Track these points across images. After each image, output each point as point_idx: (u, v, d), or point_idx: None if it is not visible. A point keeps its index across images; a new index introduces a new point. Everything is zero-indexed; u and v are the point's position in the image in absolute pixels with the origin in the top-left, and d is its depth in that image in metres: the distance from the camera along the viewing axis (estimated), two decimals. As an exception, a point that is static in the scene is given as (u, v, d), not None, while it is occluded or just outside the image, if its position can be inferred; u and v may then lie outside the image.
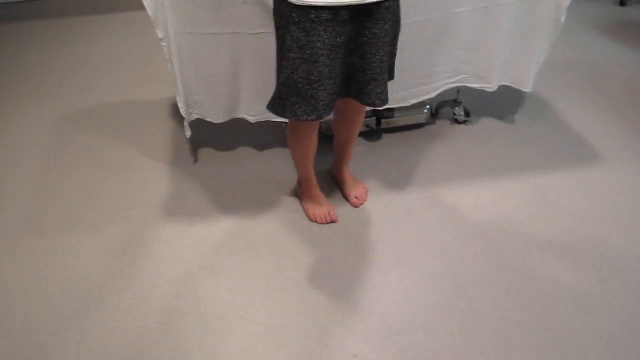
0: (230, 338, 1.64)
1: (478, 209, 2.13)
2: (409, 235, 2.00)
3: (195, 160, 2.41)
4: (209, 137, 2.53)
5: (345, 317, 1.70)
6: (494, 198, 2.18)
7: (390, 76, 1.81)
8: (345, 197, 2.17)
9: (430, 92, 2.37)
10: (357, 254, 1.93)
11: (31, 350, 1.61)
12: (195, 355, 1.59)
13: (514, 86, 2.46)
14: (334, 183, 2.25)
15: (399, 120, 2.54)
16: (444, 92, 2.41)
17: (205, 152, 2.46)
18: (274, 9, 1.59)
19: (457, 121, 2.67)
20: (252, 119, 2.28)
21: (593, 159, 2.41)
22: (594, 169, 2.35)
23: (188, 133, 2.23)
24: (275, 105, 1.66)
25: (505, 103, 2.84)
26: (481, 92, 2.48)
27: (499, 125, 2.66)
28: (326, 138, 2.30)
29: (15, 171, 2.37)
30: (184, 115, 2.18)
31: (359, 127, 2.03)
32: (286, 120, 2.04)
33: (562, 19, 2.22)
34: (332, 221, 2.06)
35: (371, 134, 2.58)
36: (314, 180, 2.05)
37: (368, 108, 2.30)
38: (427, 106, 2.56)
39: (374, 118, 2.49)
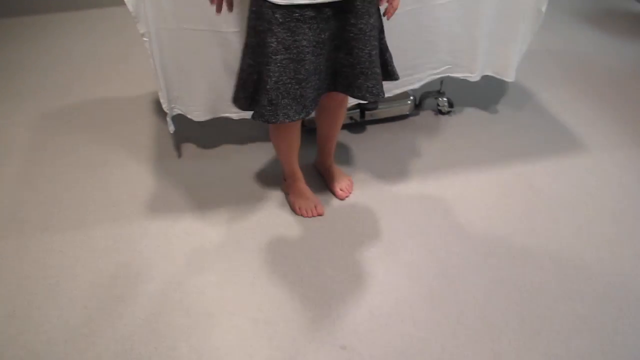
0: (218, 333, 1.64)
1: (463, 199, 2.14)
2: (395, 226, 2.01)
3: (179, 156, 2.39)
4: (193, 133, 2.52)
5: (333, 310, 1.70)
6: (479, 188, 2.19)
7: (392, 76, 1.79)
8: (331, 190, 2.17)
9: (414, 82, 2.37)
10: (344, 246, 1.93)
11: (17, 351, 1.60)
12: (183, 351, 1.59)
13: (497, 76, 2.47)
14: (319, 177, 2.25)
15: (383, 112, 2.55)
16: (427, 83, 2.42)
17: (189, 148, 2.45)
18: (250, 13, 1.57)
19: (440, 112, 2.68)
20: (235, 116, 2.27)
21: (576, 148, 2.43)
22: (578, 157, 2.37)
23: (171, 128, 2.21)
24: (265, 113, 1.60)
25: (488, 93, 2.85)
26: (464, 83, 2.49)
27: (483, 116, 2.67)
28: (310, 131, 2.30)
29: (-3, 171, 2.35)
30: (167, 111, 2.16)
31: (342, 120, 2.03)
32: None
33: (543, 8, 2.24)
34: (319, 214, 2.06)
35: (355, 126, 2.58)
36: (299, 174, 2.05)
37: (353, 101, 2.31)
38: (411, 97, 2.57)
39: (358, 110, 2.49)
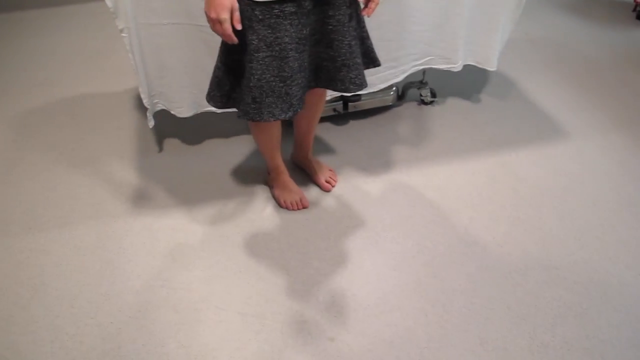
0: (206, 328, 1.64)
1: (447, 188, 2.15)
2: (380, 217, 2.02)
3: (160, 150, 2.38)
4: (175, 128, 2.51)
5: (321, 302, 1.71)
6: (463, 177, 2.21)
7: (374, 62, 1.78)
8: (316, 183, 2.17)
9: (398, 75, 2.38)
10: (330, 238, 1.94)
11: (3, 352, 1.59)
12: (172, 347, 1.58)
13: (479, 65, 2.48)
14: (301, 170, 2.24)
15: (366, 103, 2.55)
16: (410, 73, 2.42)
17: (171, 143, 2.43)
18: None
19: (423, 102, 2.68)
20: (219, 110, 2.26)
21: (558, 135, 2.45)
22: (560, 144, 2.39)
23: (151, 124, 2.19)
24: (249, 111, 1.59)
25: (470, 83, 2.86)
26: (447, 73, 2.50)
27: (465, 105, 2.68)
28: (291, 124, 2.30)
29: (-22, 171, 2.33)
30: (147, 107, 2.15)
31: (320, 113, 2.03)
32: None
33: (524, -2, 2.26)
34: (304, 207, 2.06)
35: (339, 117, 2.58)
36: (282, 167, 2.05)
37: (333, 92, 2.31)
38: (394, 88, 2.57)
39: (341, 102, 2.49)
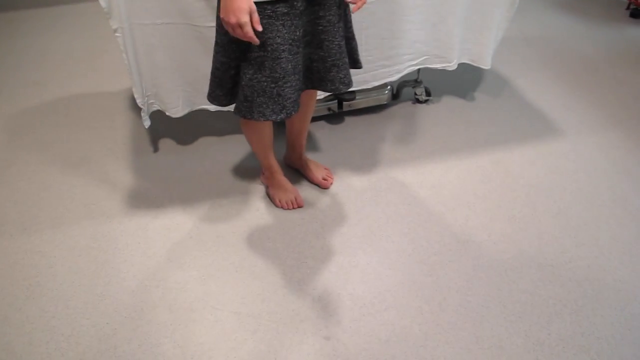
0: (202, 328, 1.64)
1: (442, 187, 2.15)
2: (375, 216, 2.02)
3: (155, 150, 2.37)
4: (169, 128, 2.50)
5: (316, 301, 1.71)
6: (458, 175, 2.21)
7: (356, 64, 1.79)
8: (312, 182, 2.17)
9: (393, 74, 2.38)
10: (325, 237, 1.94)
11: (-2, 353, 1.59)
12: (167, 347, 1.58)
13: (473, 64, 2.48)
14: (295, 169, 2.24)
15: (361, 102, 2.55)
16: (405, 74, 2.42)
17: (166, 143, 2.43)
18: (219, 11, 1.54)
19: (418, 101, 2.68)
20: (212, 108, 2.26)
21: (553, 133, 2.45)
22: (554, 142, 2.39)
23: (147, 123, 2.19)
24: (242, 108, 1.61)
25: (465, 81, 2.86)
26: (441, 72, 2.50)
27: (460, 104, 2.68)
28: (283, 124, 2.30)
29: (-28, 171, 2.32)
30: (141, 107, 2.14)
31: (312, 112, 2.03)
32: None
33: (518, -5, 2.26)
34: (299, 206, 2.06)
35: (333, 117, 2.58)
36: (276, 166, 2.04)
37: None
38: (389, 87, 2.57)
39: (336, 101, 2.49)
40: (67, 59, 3.22)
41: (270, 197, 2.10)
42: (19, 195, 2.16)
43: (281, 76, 1.53)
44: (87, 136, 2.50)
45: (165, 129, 2.50)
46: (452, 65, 2.41)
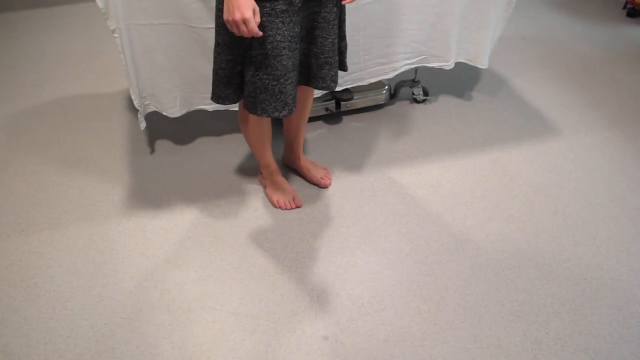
0: (200, 329, 1.64)
1: (440, 186, 2.15)
2: (373, 216, 2.02)
3: (152, 152, 2.37)
4: (167, 128, 2.50)
5: (314, 301, 1.71)
6: (455, 175, 2.21)
7: (342, 66, 1.79)
8: (311, 181, 2.17)
9: (389, 72, 2.38)
10: (323, 237, 1.94)
11: (-4, 355, 1.58)
12: (166, 349, 1.58)
13: (470, 63, 2.48)
14: (293, 169, 2.24)
15: (359, 102, 2.55)
16: (402, 72, 2.42)
17: (163, 144, 2.43)
18: (218, 11, 1.53)
19: (416, 101, 2.68)
20: (210, 108, 2.26)
21: (550, 132, 2.45)
22: (551, 141, 2.40)
23: (142, 125, 2.19)
24: (247, 103, 1.64)
25: (462, 81, 2.87)
26: (439, 71, 2.50)
27: (458, 103, 2.68)
28: (281, 123, 2.30)
29: (-31, 173, 2.31)
30: (138, 108, 2.14)
31: (309, 110, 2.03)
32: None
33: (515, -5, 2.26)
34: (297, 207, 2.06)
35: (331, 117, 2.58)
36: (274, 166, 2.05)
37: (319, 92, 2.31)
38: (386, 87, 2.58)
39: (334, 101, 2.49)
40: (64, 59, 3.22)
41: (268, 197, 2.09)
42: (17, 196, 2.16)
43: (282, 73, 1.54)
44: (84, 137, 2.49)
45: (162, 130, 2.49)
46: (449, 65, 2.41)
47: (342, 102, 2.51)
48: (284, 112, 1.60)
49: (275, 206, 2.06)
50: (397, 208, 2.05)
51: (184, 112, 2.24)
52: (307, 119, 2.04)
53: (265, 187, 2.12)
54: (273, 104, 1.58)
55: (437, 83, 2.83)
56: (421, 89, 2.66)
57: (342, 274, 1.80)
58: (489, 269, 1.81)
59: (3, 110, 2.73)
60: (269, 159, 2.01)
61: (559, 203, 2.07)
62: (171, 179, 2.22)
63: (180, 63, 2.09)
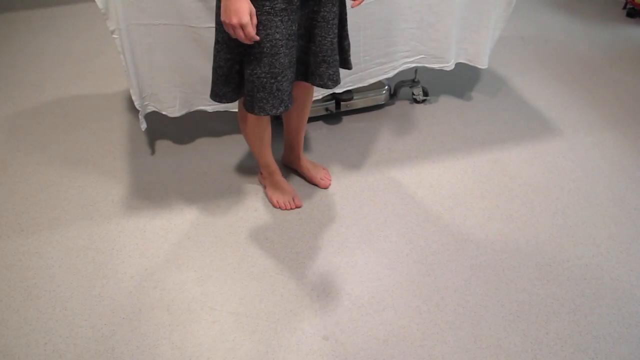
0: (200, 329, 1.64)
1: (440, 186, 2.15)
2: (373, 216, 2.02)
3: (152, 153, 2.37)
4: (167, 129, 2.50)
5: (314, 301, 1.71)
6: (455, 175, 2.21)
7: (346, 65, 1.80)
8: (311, 182, 2.17)
9: (388, 71, 2.38)
10: (323, 237, 1.94)
11: (-4, 355, 1.58)
12: (165, 349, 1.58)
13: (470, 63, 2.48)
14: (293, 169, 2.24)
15: (358, 102, 2.55)
16: (402, 72, 2.43)
17: (163, 144, 2.43)
18: (218, 9, 1.51)
19: (416, 101, 2.68)
20: (210, 109, 2.26)
21: (550, 132, 2.45)
22: (551, 141, 2.40)
23: (143, 126, 2.19)
24: (245, 102, 1.65)
25: (462, 81, 2.87)
26: (439, 71, 2.51)
27: (457, 103, 2.68)
28: (281, 123, 2.30)
29: (-31, 173, 2.31)
30: (139, 109, 2.14)
31: (309, 109, 2.03)
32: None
33: (514, -5, 2.26)
34: (297, 207, 2.06)
35: (331, 117, 2.58)
36: (274, 166, 2.04)
37: (325, 92, 2.31)
38: (386, 87, 2.57)
39: (334, 101, 2.49)
40: (64, 60, 3.22)
41: (268, 198, 2.09)
42: (16, 196, 2.16)
43: (280, 71, 1.55)
44: (84, 137, 2.49)
45: (162, 130, 2.49)
46: (449, 66, 2.41)
47: (342, 102, 2.51)
48: (281, 109, 1.61)
49: (275, 206, 2.06)
50: (397, 208, 2.05)
51: (183, 112, 2.24)
52: (307, 119, 2.04)
53: (265, 187, 2.12)
54: (270, 102, 1.59)
55: (437, 83, 2.83)
56: (421, 89, 2.66)
57: (342, 274, 1.80)
58: (489, 269, 1.81)
59: (3, 110, 2.73)
60: (269, 159, 2.01)
61: (559, 203, 2.07)
62: (171, 179, 2.21)
63: (181, 64, 2.09)
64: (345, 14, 1.71)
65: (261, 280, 1.78)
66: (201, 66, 2.09)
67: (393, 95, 2.69)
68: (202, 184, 2.19)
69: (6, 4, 4.04)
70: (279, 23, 1.48)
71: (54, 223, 2.03)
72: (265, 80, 1.55)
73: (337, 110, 2.53)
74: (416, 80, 2.66)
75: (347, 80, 2.32)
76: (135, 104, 2.11)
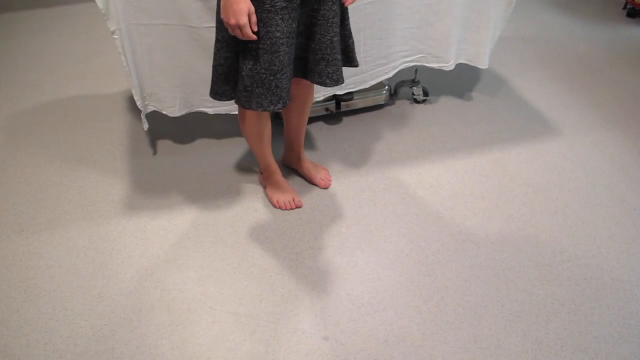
0: (200, 329, 1.64)
1: (440, 186, 2.15)
2: (373, 216, 2.02)
3: (155, 152, 2.37)
4: (167, 129, 2.50)
5: (314, 301, 1.71)
6: (455, 175, 2.21)
7: (352, 62, 1.80)
8: (311, 182, 2.17)
9: (389, 71, 2.38)
10: (323, 237, 1.94)
11: (-4, 355, 1.58)
12: (166, 349, 1.58)
13: (471, 63, 2.48)
14: (293, 170, 2.24)
15: (359, 102, 2.55)
16: (402, 72, 2.43)
17: (164, 144, 2.43)
18: (219, 7, 1.52)
19: (416, 101, 2.68)
20: (210, 111, 2.26)
21: (550, 132, 2.45)
22: (551, 142, 2.40)
23: (145, 125, 2.19)
24: (241, 98, 1.65)
25: (462, 81, 2.87)
26: (439, 71, 2.50)
27: (458, 103, 2.68)
28: (281, 123, 2.30)
29: (-31, 173, 2.31)
30: (141, 108, 2.14)
31: (310, 108, 2.03)
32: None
33: (515, -5, 2.26)
34: (297, 207, 2.06)
35: (331, 117, 2.58)
36: (274, 166, 2.04)
37: (327, 93, 2.31)
38: (386, 87, 2.57)
39: (334, 101, 2.49)
40: (64, 60, 3.22)
41: (268, 198, 2.09)
42: (17, 196, 2.16)
43: (279, 69, 1.55)
44: (84, 137, 2.49)
45: (163, 130, 2.49)
46: (449, 66, 2.41)
47: (342, 103, 2.51)
48: (279, 105, 1.62)
49: (275, 206, 2.06)
50: (397, 208, 2.05)
51: (183, 112, 2.24)
52: (307, 117, 2.04)
53: (265, 188, 2.12)
54: (269, 98, 1.60)
55: (437, 83, 2.83)
56: (421, 89, 2.66)
57: (342, 275, 1.80)
58: (489, 269, 1.81)
59: (3, 110, 2.73)
60: (269, 159, 2.01)
61: (559, 203, 2.07)
62: (171, 179, 2.22)
63: (181, 64, 2.09)
64: (347, 13, 1.71)
65: (261, 280, 1.79)
66: (201, 67, 2.09)
67: (393, 95, 2.69)
68: (202, 184, 2.19)
69: (6, 4, 4.04)
70: (279, 21, 1.49)
71: (54, 223, 2.03)
72: (264, 76, 1.56)
73: (337, 110, 2.53)
74: (416, 80, 2.66)
75: (349, 82, 2.32)
76: (138, 104, 2.11)
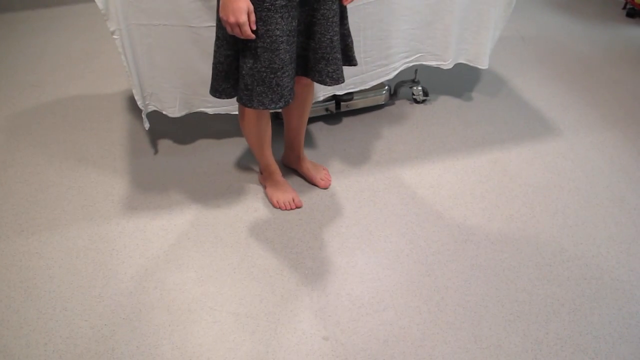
0: (200, 329, 1.64)
1: (440, 186, 2.15)
2: (373, 216, 2.02)
3: (155, 152, 2.37)
4: (168, 129, 2.50)
5: (314, 302, 1.71)
6: (455, 175, 2.21)
7: (351, 61, 1.80)
8: (310, 182, 2.17)
9: (390, 72, 2.38)
10: (323, 238, 1.94)
11: (-4, 355, 1.58)
12: (166, 349, 1.58)
13: (470, 64, 2.48)
14: (293, 170, 2.24)
15: (359, 102, 2.55)
16: (402, 72, 2.43)
17: (164, 144, 2.43)
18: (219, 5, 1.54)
19: (416, 101, 2.68)
20: (210, 111, 2.26)
21: (550, 133, 2.45)
22: (551, 142, 2.40)
23: (146, 125, 2.19)
24: (242, 96, 1.65)
25: (462, 81, 2.87)
26: (439, 71, 2.50)
27: (457, 103, 2.68)
28: (281, 123, 2.30)
29: (-31, 173, 2.31)
30: (141, 108, 2.14)
31: (310, 107, 2.03)
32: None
33: (514, -5, 2.26)
34: (297, 207, 2.06)
35: (331, 117, 2.58)
36: (274, 166, 2.04)
37: (327, 93, 2.31)
38: (386, 87, 2.57)
39: (334, 102, 2.49)
40: (64, 60, 3.22)
41: (268, 198, 2.09)
42: (16, 196, 2.16)
43: (280, 67, 1.55)
44: (84, 137, 2.49)
45: (163, 130, 2.49)
46: (447, 64, 2.41)
47: (342, 103, 2.51)
48: (280, 104, 1.62)
49: (275, 206, 2.06)
50: (397, 208, 2.05)
51: (183, 113, 2.24)
52: (307, 116, 2.04)
53: (265, 188, 2.12)
54: (270, 96, 1.60)
55: (437, 83, 2.83)
56: (421, 89, 2.66)
57: (342, 275, 1.80)
58: (489, 269, 1.81)
59: (3, 110, 2.73)
60: (269, 159, 2.01)
61: (559, 203, 2.07)
62: (171, 179, 2.21)
63: (181, 65, 2.09)
64: (346, 12, 1.72)
65: (261, 280, 1.78)
66: (201, 67, 2.09)
67: (393, 95, 2.69)
68: (202, 184, 2.19)
69: (6, 4, 4.04)
70: (279, 19, 1.49)
71: (54, 223, 2.03)
72: (265, 75, 1.56)
73: (337, 110, 2.53)
74: (416, 80, 2.66)
75: (349, 83, 2.32)
76: (139, 103, 2.11)
